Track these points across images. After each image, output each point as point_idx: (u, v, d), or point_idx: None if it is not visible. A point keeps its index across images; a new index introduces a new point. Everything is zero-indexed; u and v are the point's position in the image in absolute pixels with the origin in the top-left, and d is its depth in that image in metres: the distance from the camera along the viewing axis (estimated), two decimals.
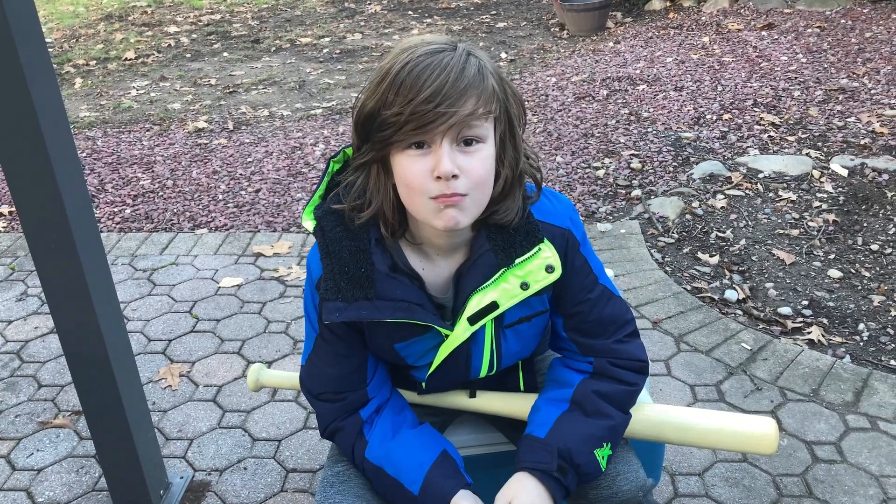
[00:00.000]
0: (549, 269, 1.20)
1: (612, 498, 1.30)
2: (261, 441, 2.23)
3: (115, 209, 3.80)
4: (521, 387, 1.43)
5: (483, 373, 1.32)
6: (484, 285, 1.19)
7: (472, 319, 1.21)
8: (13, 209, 3.84)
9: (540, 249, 1.20)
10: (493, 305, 1.20)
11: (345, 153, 1.23)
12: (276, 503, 2.01)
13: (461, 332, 1.22)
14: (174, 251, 3.32)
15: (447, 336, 1.23)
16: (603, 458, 1.25)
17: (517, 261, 1.19)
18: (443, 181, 1.07)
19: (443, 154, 1.06)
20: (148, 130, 4.89)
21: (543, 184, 1.25)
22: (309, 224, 1.22)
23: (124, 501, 1.99)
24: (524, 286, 1.20)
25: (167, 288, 3.04)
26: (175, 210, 3.75)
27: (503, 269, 1.19)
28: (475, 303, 1.20)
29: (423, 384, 1.34)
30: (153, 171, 4.22)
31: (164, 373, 2.54)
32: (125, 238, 3.45)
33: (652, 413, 1.37)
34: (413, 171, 1.08)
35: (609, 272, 1.79)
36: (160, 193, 3.95)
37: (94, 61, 6.66)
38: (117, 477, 1.96)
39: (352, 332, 1.26)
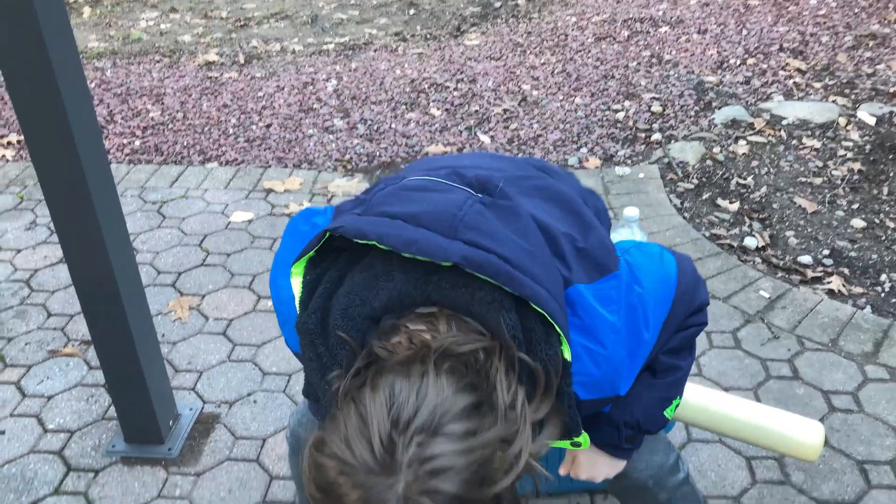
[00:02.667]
0: (576, 444, 1.04)
1: (623, 480, 1.28)
2: (271, 375, 2.22)
3: (125, 141, 3.74)
4: None
5: None
6: None
7: None
8: (21, 137, 3.78)
9: (572, 443, 1.03)
10: None
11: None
12: (285, 437, 2.01)
13: None
14: (184, 184, 3.27)
15: None
16: (671, 409, 1.19)
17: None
18: None
19: None
20: (158, 62, 4.79)
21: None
22: (297, 285, 1.02)
23: (134, 431, 1.98)
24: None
25: (177, 221, 3.00)
26: (185, 143, 3.69)
27: None
28: None
29: None
30: (163, 104, 4.15)
31: (174, 305, 2.51)
32: (135, 170, 3.40)
33: (695, 398, 1.29)
34: None
35: (633, 210, 1.74)
36: (170, 126, 3.88)
37: None
38: (127, 407, 1.95)
39: None
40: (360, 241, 0.93)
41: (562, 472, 1.23)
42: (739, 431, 1.25)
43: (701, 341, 2.27)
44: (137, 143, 3.72)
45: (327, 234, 0.95)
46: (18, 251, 2.84)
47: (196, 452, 1.97)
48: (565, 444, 1.02)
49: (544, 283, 0.94)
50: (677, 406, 1.20)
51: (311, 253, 0.98)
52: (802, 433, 1.20)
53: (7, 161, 3.55)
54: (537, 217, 1.04)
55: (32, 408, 2.13)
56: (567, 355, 0.95)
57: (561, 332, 0.93)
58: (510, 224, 0.99)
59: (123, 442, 2.00)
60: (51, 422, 2.09)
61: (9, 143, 3.75)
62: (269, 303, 2.52)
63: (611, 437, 1.18)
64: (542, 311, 0.91)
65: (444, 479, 0.76)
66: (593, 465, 1.22)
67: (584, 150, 3.47)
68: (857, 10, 4.88)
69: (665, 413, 1.17)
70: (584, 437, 1.02)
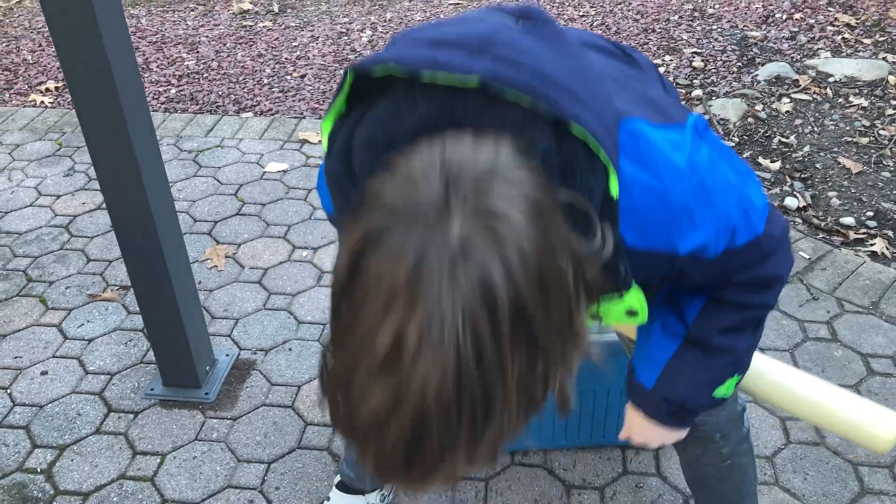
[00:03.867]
0: (631, 313, 0.92)
1: (689, 432, 1.20)
2: (305, 324, 2.24)
3: (160, 89, 3.75)
4: None
5: None
6: None
7: None
8: (59, 84, 3.81)
9: (622, 296, 0.89)
10: None
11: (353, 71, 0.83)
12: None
13: None
14: (219, 134, 3.28)
15: None
16: (729, 388, 1.08)
17: None
18: None
19: None
20: (192, 10, 4.77)
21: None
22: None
23: (172, 375, 2.02)
24: (595, 317, 0.88)
25: (213, 170, 3.02)
26: (220, 92, 3.69)
27: None
28: None
29: None
30: (198, 52, 4.14)
31: (210, 253, 2.54)
32: (170, 118, 3.41)
33: (767, 371, 1.17)
34: None
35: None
36: (205, 75, 3.87)
37: None
38: (165, 351, 1.98)
39: None
40: (379, 76, 0.79)
41: (621, 437, 1.20)
42: (806, 411, 1.15)
43: None
44: (173, 91, 3.72)
45: (349, 77, 0.82)
46: (58, 197, 2.88)
47: (232, 398, 2.01)
48: (618, 312, 0.91)
49: (590, 103, 0.78)
50: (737, 384, 1.09)
51: (341, 106, 0.85)
52: (880, 428, 1.10)
53: (46, 107, 3.58)
54: (589, 52, 0.88)
55: (74, 350, 2.18)
56: (614, 190, 0.80)
57: (608, 162, 0.78)
58: (553, 45, 0.81)
59: (161, 385, 2.04)
60: (91, 364, 2.13)
61: (47, 89, 3.77)
62: (304, 252, 2.53)
63: (650, 410, 1.11)
64: (585, 134, 0.75)
65: (506, 222, 0.60)
66: (648, 430, 1.14)
67: None
68: None
69: (716, 394, 1.07)
70: (637, 297, 0.90)
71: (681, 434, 1.16)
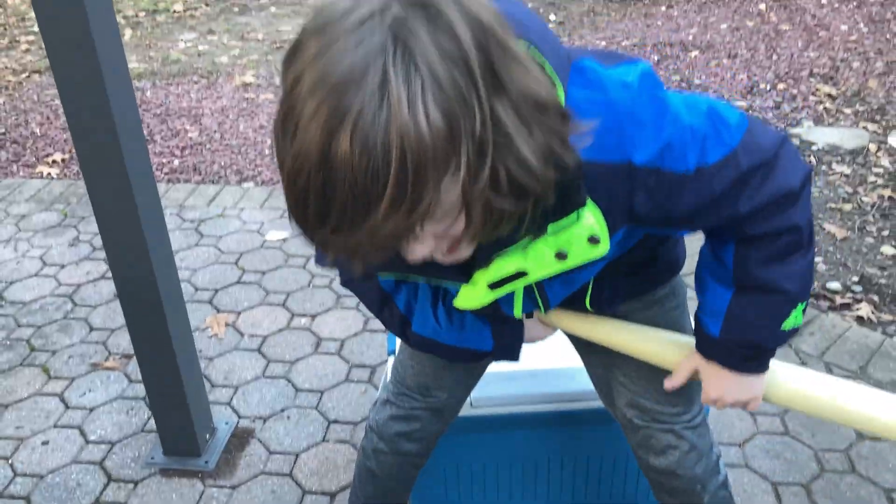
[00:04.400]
0: (593, 240, 0.90)
1: (671, 480, 1.29)
2: (304, 391, 2.27)
3: (164, 160, 3.86)
4: (588, 304, 1.18)
5: (518, 314, 1.10)
6: (507, 250, 0.93)
7: (495, 285, 0.97)
8: (65, 156, 3.91)
9: (579, 217, 0.89)
10: (520, 274, 0.95)
11: None
12: (317, 452, 2.06)
13: (480, 293, 0.99)
14: (221, 203, 3.36)
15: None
16: (797, 317, 1.05)
17: (549, 229, 0.89)
18: None
19: (411, 245, 0.76)
20: (196, 83, 4.93)
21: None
22: None
23: (172, 443, 2.05)
24: (560, 256, 0.91)
25: (214, 239, 3.09)
26: (222, 163, 3.79)
27: (529, 238, 0.90)
28: (497, 268, 0.95)
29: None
30: (201, 124, 4.27)
31: (211, 321, 2.59)
32: (173, 189, 3.51)
33: (791, 378, 1.15)
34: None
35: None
36: (208, 146, 3.99)
37: (144, 13, 6.70)
38: (166, 419, 2.01)
39: None
40: None
41: (667, 386, 1.16)
42: (838, 415, 1.12)
43: None
44: (176, 162, 3.83)
45: None
46: (62, 266, 2.94)
47: (231, 466, 2.03)
48: (581, 239, 0.90)
49: (548, 41, 0.82)
50: (804, 309, 1.05)
51: None
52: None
53: (52, 179, 3.68)
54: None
55: (75, 419, 2.21)
56: (561, 99, 0.81)
57: (554, 76, 0.80)
58: (519, 4, 0.86)
59: (162, 454, 2.06)
60: (92, 433, 2.16)
61: (53, 161, 3.88)
62: (303, 320, 2.58)
63: (725, 360, 1.09)
64: (542, 59, 0.79)
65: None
66: (726, 383, 1.10)
67: None
68: (888, 36, 4.88)
69: (790, 324, 1.04)
70: (595, 216, 0.89)
71: (754, 386, 1.12)
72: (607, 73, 0.88)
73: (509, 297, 1.06)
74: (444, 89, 0.64)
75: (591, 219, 0.89)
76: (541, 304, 1.07)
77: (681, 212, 0.94)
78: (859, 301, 2.56)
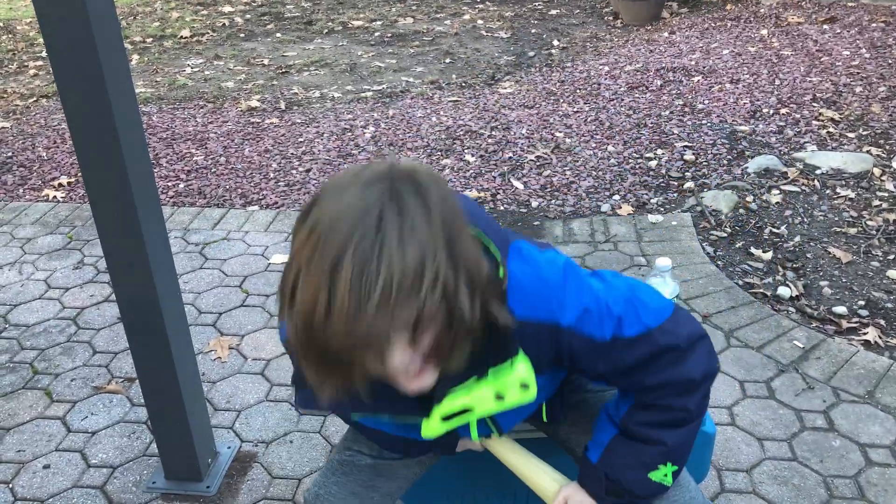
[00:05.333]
0: (524, 387, 1.07)
1: None
2: (307, 416, 2.26)
3: (169, 183, 3.87)
4: (544, 417, 1.38)
5: (474, 437, 1.28)
6: (455, 389, 1.08)
7: (447, 418, 1.12)
8: (71, 179, 3.93)
9: (512, 365, 1.05)
10: (468, 409, 1.10)
11: None
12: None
13: (436, 426, 1.13)
14: (226, 227, 3.37)
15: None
16: (666, 475, 1.19)
17: (489, 371, 1.06)
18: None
19: (391, 355, 0.89)
20: (202, 108, 4.96)
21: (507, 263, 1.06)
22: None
23: (174, 467, 2.03)
24: (499, 398, 1.08)
25: (218, 262, 3.09)
26: (227, 186, 3.81)
27: (473, 378, 1.07)
28: (448, 404, 1.10)
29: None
30: (206, 148, 4.29)
31: (215, 345, 2.58)
32: (178, 212, 3.52)
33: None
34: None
35: (665, 261, 1.78)
36: (213, 170, 4.01)
37: (151, 39, 6.77)
38: (168, 444, 2.00)
39: None
40: None
41: (556, 502, 1.28)
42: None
43: (734, 391, 2.27)
44: (181, 185, 3.84)
45: None
46: (66, 290, 2.95)
47: (233, 491, 2.01)
48: (514, 384, 1.06)
49: (492, 228, 1.05)
50: (674, 473, 1.19)
51: None
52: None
53: (58, 202, 3.70)
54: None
55: (77, 443, 2.20)
56: (501, 272, 1.02)
57: (497, 252, 1.02)
58: (468, 200, 1.09)
59: (163, 478, 2.04)
60: (94, 457, 2.15)
61: (59, 184, 3.90)
62: None
63: (592, 486, 1.22)
64: (487, 240, 1.01)
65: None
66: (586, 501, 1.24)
67: (616, 197, 3.51)
68: (890, 61, 4.90)
69: (656, 478, 1.18)
70: (525, 366, 1.06)
71: None
72: (540, 254, 1.10)
73: (466, 428, 1.24)
74: (421, 243, 0.84)
75: (522, 368, 1.06)
76: (494, 430, 1.27)
77: (595, 372, 1.14)
78: (866, 325, 2.55)
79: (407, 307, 0.84)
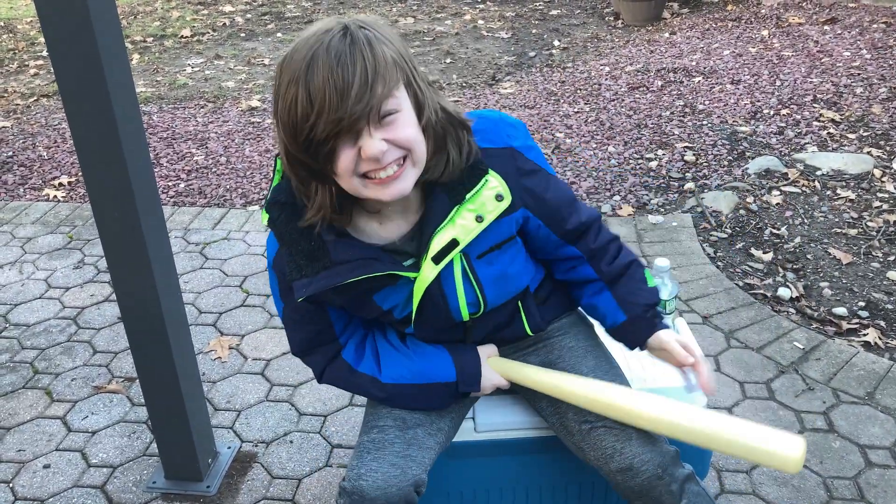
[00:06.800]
0: (499, 197, 1.27)
1: (634, 477, 1.35)
2: (307, 415, 2.26)
3: (170, 183, 3.87)
4: (527, 329, 1.49)
5: (464, 311, 1.38)
6: (441, 225, 1.26)
7: (437, 258, 1.28)
8: (72, 179, 3.93)
9: (486, 180, 1.26)
10: (455, 243, 1.27)
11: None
12: (320, 477, 2.04)
13: (428, 272, 1.29)
14: (226, 227, 3.37)
15: (416, 278, 1.31)
16: (650, 277, 1.48)
17: (468, 196, 1.26)
18: (375, 160, 1.13)
19: (367, 140, 1.11)
20: (202, 107, 4.96)
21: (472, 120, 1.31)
22: (265, 219, 1.30)
23: (174, 467, 2.03)
24: (479, 219, 1.27)
25: (219, 262, 3.09)
26: (228, 186, 3.81)
27: (456, 207, 1.26)
28: (436, 243, 1.27)
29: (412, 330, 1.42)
30: (207, 148, 4.29)
31: (215, 345, 2.58)
32: (178, 212, 3.52)
33: (677, 414, 1.31)
34: (347, 163, 1.13)
35: (664, 261, 1.78)
36: (213, 169, 4.01)
37: (151, 38, 6.77)
38: (168, 443, 2.00)
39: (312, 307, 1.36)
40: None
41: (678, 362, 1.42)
42: (722, 446, 1.28)
43: (734, 391, 2.27)
44: (182, 185, 3.84)
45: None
46: (67, 289, 2.95)
47: (233, 491, 2.02)
48: (490, 198, 1.27)
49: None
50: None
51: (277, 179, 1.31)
52: (785, 448, 1.21)
53: (58, 201, 3.70)
54: None
55: (77, 442, 2.20)
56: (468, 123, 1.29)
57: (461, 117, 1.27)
58: None
59: (163, 478, 2.04)
60: (94, 457, 2.15)
61: (60, 184, 3.90)
62: None
63: (642, 330, 1.43)
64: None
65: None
66: (665, 338, 1.42)
67: (617, 198, 3.51)
68: (891, 62, 4.90)
69: (651, 282, 1.47)
70: (497, 179, 1.27)
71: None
72: (488, 112, 1.36)
73: (454, 290, 1.34)
74: (388, 43, 1.12)
75: (494, 181, 1.28)
76: (478, 292, 1.35)
77: (550, 200, 1.36)
78: (866, 326, 2.55)
79: (380, 91, 1.08)
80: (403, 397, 1.43)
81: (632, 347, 1.47)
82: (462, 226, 1.26)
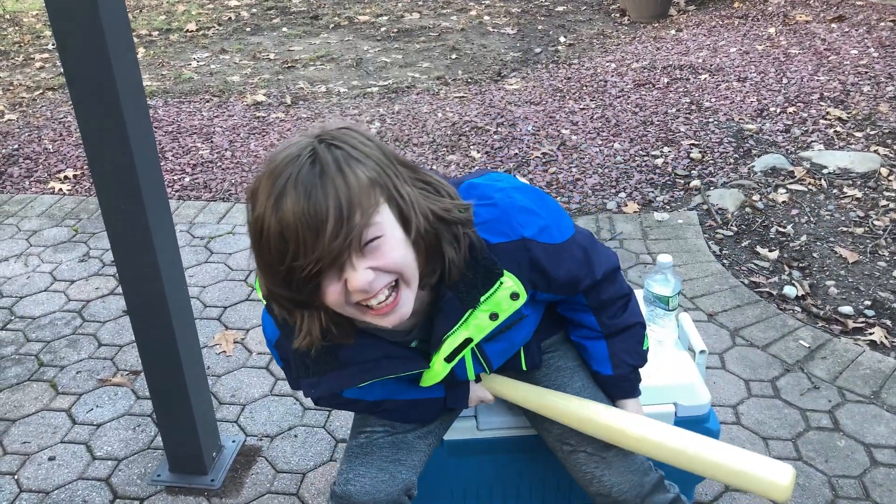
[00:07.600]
0: (514, 296, 1.23)
1: (613, 503, 1.39)
2: (311, 410, 2.26)
3: (175, 177, 3.87)
4: (524, 366, 1.48)
5: (471, 376, 1.38)
6: (454, 329, 1.23)
7: (449, 357, 1.26)
8: (77, 172, 3.94)
9: (501, 283, 1.21)
10: (468, 340, 1.25)
11: None
12: (324, 471, 2.04)
13: (439, 369, 1.28)
14: (231, 221, 3.37)
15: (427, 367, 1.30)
16: (647, 340, 1.48)
17: (482, 299, 1.21)
18: (364, 291, 1.05)
19: (351, 273, 1.03)
20: (207, 102, 4.96)
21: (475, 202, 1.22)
22: (260, 292, 1.20)
23: (179, 460, 2.04)
24: (493, 317, 1.24)
25: (224, 256, 3.09)
26: (233, 181, 3.81)
27: (470, 311, 1.22)
28: (449, 345, 1.24)
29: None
30: (212, 142, 4.29)
31: (220, 339, 2.58)
32: (184, 206, 3.52)
33: (665, 435, 1.32)
34: (335, 297, 1.06)
35: (666, 257, 1.78)
36: (218, 164, 4.01)
37: (157, 32, 6.77)
38: (173, 437, 2.00)
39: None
40: None
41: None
42: (710, 472, 1.27)
43: (739, 390, 2.26)
44: (187, 179, 3.84)
45: None
46: (72, 282, 2.95)
47: (238, 484, 2.02)
48: (505, 297, 1.22)
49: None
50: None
51: None
52: (774, 476, 1.21)
53: (64, 195, 3.70)
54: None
55: (82, 435, 2.20)
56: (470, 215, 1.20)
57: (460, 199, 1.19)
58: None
59: (168, 471, 2.05)
60: (99, 450, 2.15)
61: (65, 177, 3.90)
62: None
63: (629, 388, 1.46)
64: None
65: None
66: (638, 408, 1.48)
67: (622, 194, 3.50)
68: None
69: (645, 345, 1.46)
70: (512, 280, 1.21)
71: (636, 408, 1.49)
72: (484, 183, 1.26)
73: (463, 366, 1.34)
74: (364, 158, 1.03)
75: (510, 282, 1.22)
76: (485, 365, 1.35)
77: (564, 277, 1.29)
78: (872, 325, 2.54)
79: (358, 221, 0.99)
80: (392, 412, 1.42)
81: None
82: (476, 325, 1.24)
